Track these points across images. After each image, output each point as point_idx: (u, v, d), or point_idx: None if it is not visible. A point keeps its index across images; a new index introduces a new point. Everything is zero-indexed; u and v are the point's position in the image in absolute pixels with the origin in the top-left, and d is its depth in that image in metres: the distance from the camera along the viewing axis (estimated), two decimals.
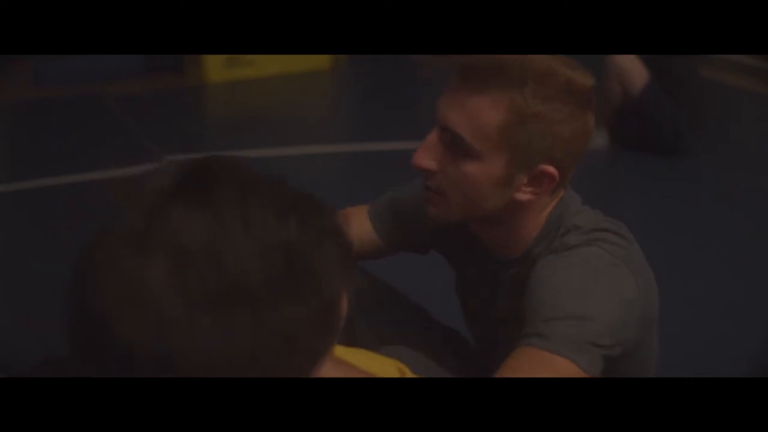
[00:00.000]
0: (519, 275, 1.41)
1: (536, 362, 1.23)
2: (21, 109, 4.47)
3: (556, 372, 1.22)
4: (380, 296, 1.69)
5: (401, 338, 1.59)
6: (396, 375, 1.14)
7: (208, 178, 0.73)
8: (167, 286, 0.68)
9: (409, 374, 1.16)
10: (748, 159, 3.77)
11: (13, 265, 2.92)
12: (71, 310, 0.73)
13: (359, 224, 1.63)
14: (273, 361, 0.72)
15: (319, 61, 4.92)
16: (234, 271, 0.69)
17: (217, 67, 4.78)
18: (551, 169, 1.33)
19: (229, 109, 4.74)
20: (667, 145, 3.68)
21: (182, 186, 0.72)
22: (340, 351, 1.07)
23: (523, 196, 1.35)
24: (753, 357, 2.19)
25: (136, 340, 0.69)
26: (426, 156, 1.35)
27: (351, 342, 1.19)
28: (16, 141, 4.15)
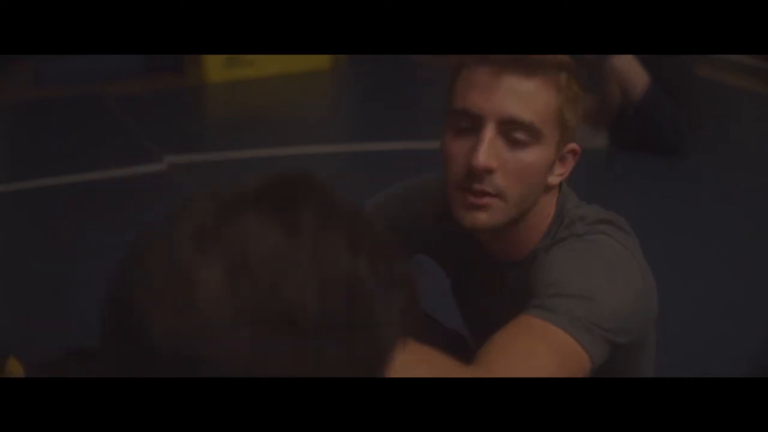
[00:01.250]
0: (522, 277, 1.40)
1: (535, 332, 1.21)
2: (21, 109, 4.47)
3: (555, 345, 1.20)
4: None
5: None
6: None
7: (292, 196, 0.69)
8: (217, 290, 0.65)
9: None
10: (748, 159, 3.77)
11: (13, 265, 2.92)
12: (112, 291, 0.69)
13: None
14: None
15: (319, 61, 4.92)
16: (290, 296, 0.65)
17: (217, 67, 4.78)
18: (575, 145, 1.38)
19: (229, 109, 4.74)
20: (667, 145, 3.68)
21: (264, 196, 0.69)
22: None
23: (555, 179, 1.38)
24: (753, 357, 2.19)
25: (170, 335, 0.65)
26: (490, 154, 1.30)
27: None
28: (16, 141, 4.15)
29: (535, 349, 1.20)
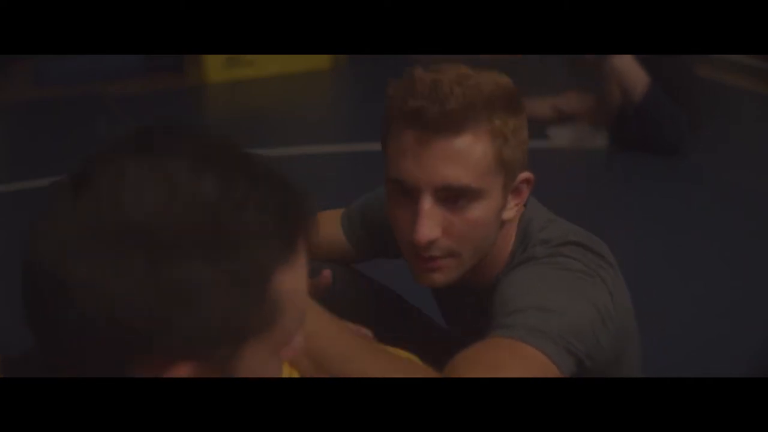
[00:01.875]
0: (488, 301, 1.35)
1: (498, 349, 1.17)
2: (21, 109, 4.47)
3: (520, 359, 1.16)
4: (373, 297, 1.67)
5: (395, 339, 1.58)
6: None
7: (152, 136, 0.76)
8: (81, 221, 0.72)
9: (419, 362, 1.16)
10: (748, 159, 3.77)
11: (13, 265, 2.92)
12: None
13: (331, 228, 1.62)
14: (177, 322, 0.71)
15: (319, 61, 4.92)
16: (133, 212, 0.71)
17: (217, 67, 4.78)
18: (527, 174, 1.33)
19: (229, 109, 4.74)
20: (667, 145, 3.68)
21: (129, 141, 0.76)
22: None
23: (510, 213, 1.34)
24: (753, 357, 2.19)
25: (44, 268, 0.76)
26: (430, 226, 1.26)
27: None
28: (16, 141, 4.15)
29: (501, 362, 1.16)
